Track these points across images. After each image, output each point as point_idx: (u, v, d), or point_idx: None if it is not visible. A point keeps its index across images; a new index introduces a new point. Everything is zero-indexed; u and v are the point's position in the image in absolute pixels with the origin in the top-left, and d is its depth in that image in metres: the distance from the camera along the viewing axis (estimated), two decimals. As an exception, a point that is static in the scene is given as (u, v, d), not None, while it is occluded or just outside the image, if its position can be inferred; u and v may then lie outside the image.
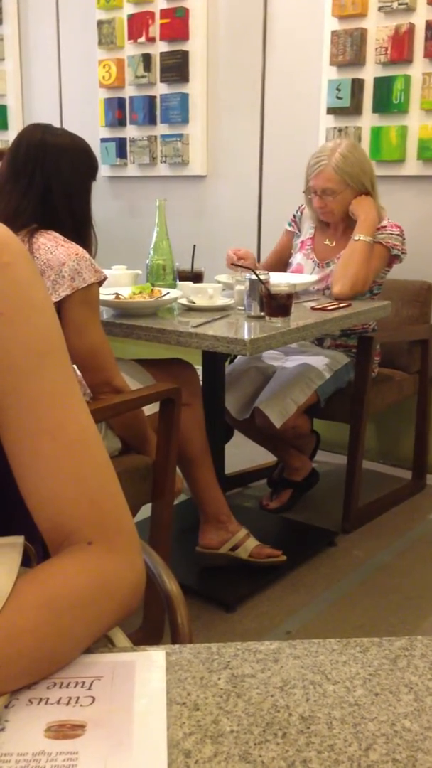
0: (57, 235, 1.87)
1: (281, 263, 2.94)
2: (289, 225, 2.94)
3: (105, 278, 1.90)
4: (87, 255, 1.86)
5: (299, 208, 2.91)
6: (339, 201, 2.67)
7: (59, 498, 0.66)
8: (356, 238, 2.60)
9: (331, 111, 3.18)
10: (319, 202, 2.69)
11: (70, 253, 1.82)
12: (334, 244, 2.79)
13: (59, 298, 1.80)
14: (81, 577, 0.64)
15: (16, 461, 0.66)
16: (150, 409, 2.08)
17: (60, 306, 1.81)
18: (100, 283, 1.89)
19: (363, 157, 2.69)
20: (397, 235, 2.65)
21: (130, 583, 0.67)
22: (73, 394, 0.68)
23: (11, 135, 4.33)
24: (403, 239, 2.67)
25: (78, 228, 1.95)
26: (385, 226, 2.65)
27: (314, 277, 2.72)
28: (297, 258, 2.86)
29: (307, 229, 2.88)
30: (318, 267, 2.78)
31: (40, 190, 1.91)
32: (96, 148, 3.80)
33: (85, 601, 0.63)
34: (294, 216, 2.93)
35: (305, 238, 2.87)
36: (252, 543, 2.36)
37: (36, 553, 0.68)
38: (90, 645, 0.63)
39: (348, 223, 2.73)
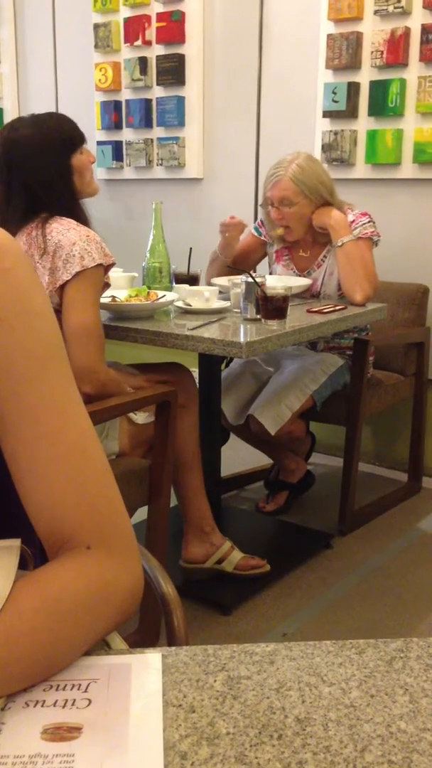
0: (70, 220, 1.94)
1: (246, 263, 2.83)
2: (257, 231, 2.87)
3: (113, 263, 1.93)
4: (98, 238, 1.91)
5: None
6: (296, 213, 2.64)
7: (58, 503, 0.66)
8: (340, 243, 2.60)
9: (327, 114, 3.19)
10: (277, 213, 2.66)
11: (81, 235, 1.88)
12: (308, 253, 2.79)
13: (70, 277, 1.83)
14: (79, 581, 0.64)
15: (15, 466, 0.67)
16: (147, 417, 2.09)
17: (65, 284, 1.85)
18: (108, 268, 1.92)
19: (320, 170, 2.68)
20: (369, 222, 2.65)
21: (129, 588, 0.67)
22: (72, 399, 0.68)
23: (7, 138, 4.33)
24: (374, 223, 2.65)
25: (70, 208, 2.00)
26: (354, 220, 2.64)
27: (309, 281, 2.72)
28: (277, 269, 2.85)
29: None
30: (299, 277, 2.78)
31: (22, 191, 1.97)
32: (92, 151, 3.82)
33: (84, 606, 0.63)
34: (261, 222, 2.85)
35: (279, 248, 2.84)
36: (237, 555, 2.32)
37: (33, 557, 0.68)
38: (88, 649, 0.63)
39: (313, 234, 2.72)
